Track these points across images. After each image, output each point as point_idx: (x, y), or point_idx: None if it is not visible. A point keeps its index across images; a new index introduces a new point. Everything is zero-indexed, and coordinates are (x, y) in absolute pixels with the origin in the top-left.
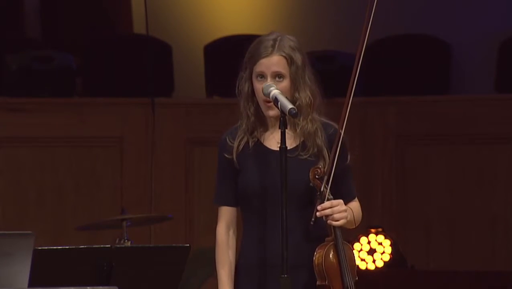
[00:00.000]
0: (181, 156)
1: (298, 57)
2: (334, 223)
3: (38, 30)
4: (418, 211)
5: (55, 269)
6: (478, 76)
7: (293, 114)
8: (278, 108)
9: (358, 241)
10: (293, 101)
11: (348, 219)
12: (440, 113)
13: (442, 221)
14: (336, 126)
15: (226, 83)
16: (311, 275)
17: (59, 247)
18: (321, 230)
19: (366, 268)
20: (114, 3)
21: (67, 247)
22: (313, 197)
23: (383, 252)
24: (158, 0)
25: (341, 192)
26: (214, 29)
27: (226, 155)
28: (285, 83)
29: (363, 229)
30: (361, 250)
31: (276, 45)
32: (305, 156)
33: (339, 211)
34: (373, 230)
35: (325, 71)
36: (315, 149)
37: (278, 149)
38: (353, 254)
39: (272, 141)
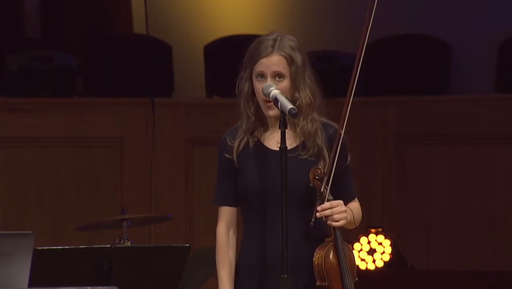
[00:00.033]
0: (181, 156)
1: (298, 57)
2: (334, 224)
3: (38, 30)
4: (418, 211)
5: (55, 269)
6: (478, 76)
7: (293, 114)
8: (278, 108)
9: (358, 241)
10: (293, 101)
11: (348, 219)
12: (440, 113)
13: (442, 221)
14: (336, 126)
15: (226, 83)
16: (311, 275)
17: (59, 247)
18: (321, 231)
19: (366, 268)
20: (114, 3)
21: (67, 247)
22: (313, 197)
23: (383, 252)
24: (158, 0)
25: (341, 192)
26: (214, 29)
27: (226, 155)
28: (285, 83)
29: (363, 229)
30: (361, 250)
31: (276, 45)
32: (305, 156)
33: (339, 212)
34: (373, 230)
35: (325, 71)
36: (315, 149)
37: (278, 149)
38: (353, 255)
39: (272, 141)
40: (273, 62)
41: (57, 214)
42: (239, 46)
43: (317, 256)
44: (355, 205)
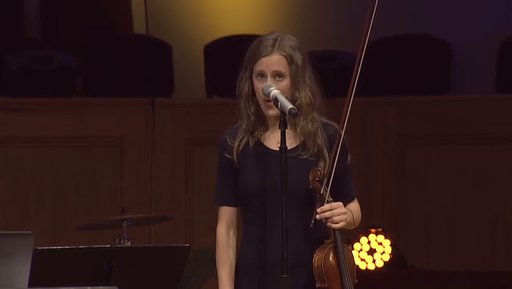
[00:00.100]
0: (181, 156)
1: (298, 57)
2: (334, 225)
3: (38, 30)
4: (418, 211)
5: (55, 269)
6: (478, 76)
7: (293, 114)
8: (278, 108)
9: (358, 241)
10: (293, 101)
11: (347, 221)
12: (440, 113)
13: (442, 221)
14: (336, 126)
15: (226, 83)
16: (311, 275)
17: (59, 247)
18: (321, 232)
19: (366, 268)
20: (114, 3)
21: (67, 247)
22: (313, 198)
23: (383, 252)
24: (158, 0)
25: (341, 193)
26: (214, 29)
27: (226, 155)
28: (285, 82)
29: (363, 229)
30: (361, 250)
31: (277, 45)
32: (305, 156)
33: (339, 213)
34: (373, 230)
35: (325, 71)
36: (315, 149)
37: (278, 149)
38: (353, 257)
39: (272, 141)
40: (273, 61)
41: (57, 214)
42: (239, 46)
43: (317, 257)
44: (354, 206)
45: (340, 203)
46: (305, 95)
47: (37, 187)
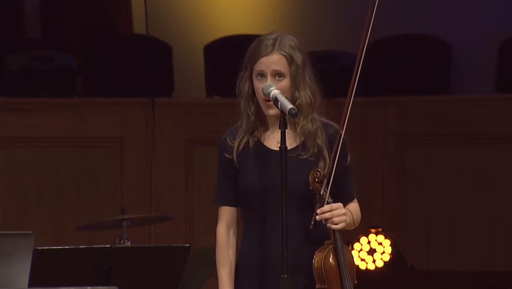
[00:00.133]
0: (181, 156)
1: (298, 56)
2: (334, 226)
3: (38, 30)
4: (418, 211)
5: (55, 269)
6: (478, 76)
7: (293, 114)
8: (278, 108)
9: (358, 241)
10: (293, 100)
11: (347, 222)
12: (440, 113)
13: (442, 221)
14: (336, 126)
15: (226, 83)
16: (311, 276)
17: (59, 247)
18: (321, 232)
19: (366, 268)
20: (114, 3)
21: (67, 247)
22: (313, 198)
23: (383, 252)
24: (158, 0)
25: (341, 193)
26: (214, 29)
27: (226, 155)
28: (285, 82)
29: (363, 229)
30: (361, 250)
31: (277, 44)
32: (305, 156)
33: (339, 214)
34: (373, 230)
35: (325, 71)
36: (315, 149)
37: (278, 149)
38: (352, 257)
39: (272, 140)
40: (273, 61)
41: (57, 214)
42: (239, 46)
43: (317, 259)
44: (354, 206)
45: (340, 204)
46: (305, 95)
47: (37, 187)
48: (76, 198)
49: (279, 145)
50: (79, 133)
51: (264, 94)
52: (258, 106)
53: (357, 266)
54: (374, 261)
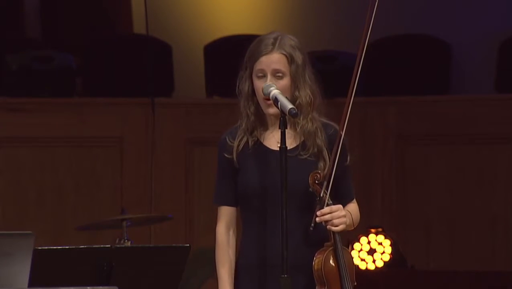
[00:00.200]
0: (181, 156)
1: (298, 56)
2: (334, 228)
3: (38, 30)
4: (418, 211)
5: (55, 269)
6: (478, 76)
7: (293, 114)
8: (278, 108)
9: (358, 241)
10: (293, 100)
11: (347, 224)
12: (440, 113)
13: (442, 221)
14: (336, 126)
15: (226, 83)
16: (310, 277)
17: (59, 247)
18: (321, 234)
19: (366, 268)
20: (114, 3)
21: (67, 247)
22: (313, 198)
23: (383, 252)
24: (158, 0)
25: (340, 193)
26: (214, 29)
27: (226, 155)
28: (285, 81)
29: (363, 229)
30: (361, 250)
31: (277, 43)
32: (305, 156)
33: (339, 216)
34: (373, 230)
35: (325, 71)
36: (315, 149)
37: (278, 149)
38: (352, 259)
39: (272, 140)
40: (273, 60)
41: (57, 214)
42: (239, 46)
43: (317, 260)
44: (353, 207)
45: (340, 206)
46: (305, 94)
47: (37, 187)
48: (76, 198)
49: (279, 145)
50: (79, 133)
51: (264, 94)
52: (258, 106)
53: (357, 266)
54: (374, 261)
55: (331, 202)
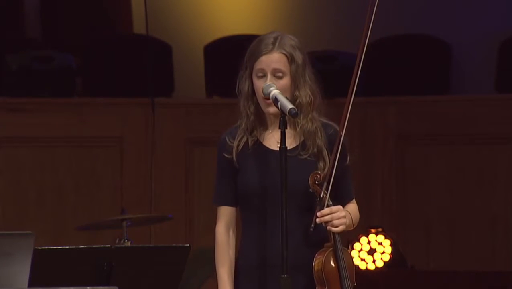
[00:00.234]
0: (181, 156)
1: (298, 56)
2: (334, 229)
3: (38, 30)
4: (418, 211)
5: (55, 269)
6: (478, 76)
7: (293, 114)
8: (278, 108)
9: (358, 241)
10: (293, 100)
11: (347, 224)
12: (440, 113)
13: (442, 221)
14: (336, 126)
15: (226, 83)
16: (310, 277)
17: (59, 247)
18: (321, 234)
19: (366, 268)
20: (114, 3)
21: (67, 247)
22: (313, 198)
23: (383, 252)
24: (158, 0)
25: (340, 193)
26: (214, 29)
27: (226, 155)
28: (285, 81)
29: (363, 229)
30: (361, 250)
31: (277, 43)
32: (305, 156)
33: (339, 217)
34: (373, 230)
35: (325, 71)
36: (315, 149)
37: (278, 148)
38: (352, 260)
39: (271, 140)
40: (273, 59)
41: (57, 214)
42: (239, 46)
43: (317, 261)
44: (353, 207)
45: (340, 207)
46: (305, 94)
47: (37, 187)
48: (76, 198)
49: (278, 145)
50: (79, 133)
51: (264, 94)
52: (257, 106)
53: (357, 266)
54: (374, 261)
55: (331, 202)
